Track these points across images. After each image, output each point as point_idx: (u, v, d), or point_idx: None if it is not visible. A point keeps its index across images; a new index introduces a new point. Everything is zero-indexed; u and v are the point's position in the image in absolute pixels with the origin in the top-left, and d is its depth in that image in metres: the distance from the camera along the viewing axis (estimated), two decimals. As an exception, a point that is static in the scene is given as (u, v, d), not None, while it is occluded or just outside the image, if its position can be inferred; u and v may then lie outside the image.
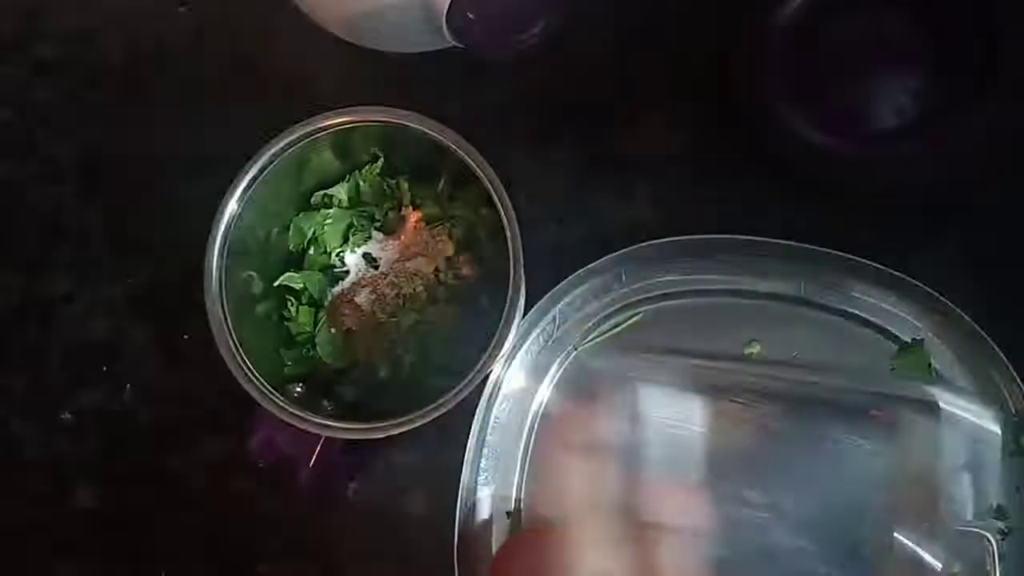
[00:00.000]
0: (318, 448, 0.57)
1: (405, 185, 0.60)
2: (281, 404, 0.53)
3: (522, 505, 0.64)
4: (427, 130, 0.54)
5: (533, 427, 0.64)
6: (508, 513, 0.64)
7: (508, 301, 0.52)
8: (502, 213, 0.53)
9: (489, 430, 0.64)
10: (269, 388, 0.53)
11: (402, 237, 0.60)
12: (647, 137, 0.68)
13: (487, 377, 0.60)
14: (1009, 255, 0.64)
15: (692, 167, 0.67)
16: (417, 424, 0.52)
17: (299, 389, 0.57)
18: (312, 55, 0.67)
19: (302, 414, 0.53)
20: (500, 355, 0.53)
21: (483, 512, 0.64)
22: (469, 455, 0.63)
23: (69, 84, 0.71)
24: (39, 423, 0.68)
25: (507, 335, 0.52)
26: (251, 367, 0.53)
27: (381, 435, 0.53)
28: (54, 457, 0.68)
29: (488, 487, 0.64)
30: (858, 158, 0.64)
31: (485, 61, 0.58)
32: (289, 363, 0.59)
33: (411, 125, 0.54)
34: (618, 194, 0.67)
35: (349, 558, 0.66)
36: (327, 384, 0.59)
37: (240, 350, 0.53)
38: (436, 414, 0.52)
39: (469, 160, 0.54)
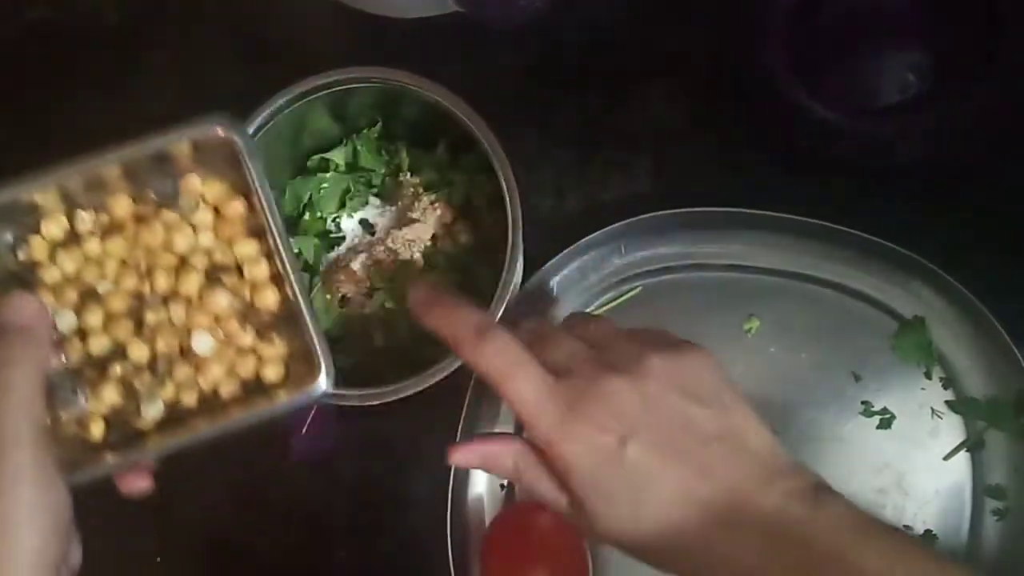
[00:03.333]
0: (310, 417, 0.56)
1: (404, 150, 0.59)
2: None
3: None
4: (426, 91, 0.53)
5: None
6: (502, 486, 0.64)
7: (506, 265, 0.51)
8: (501, 177, 0.52)
9: (485, 401, 0.63)
10: None
11: (400, 203, 0.59)
12: (648, 110, 0.67)
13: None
14: (1011, 232, 0.64)
15: (693, 141, 0.67)
16: (411, 392, 0.52)
17: None
18: (307, 19, 0.66)
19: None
20: (495, 323, 0.52)
21: (478, 484, 0.63)
22: (463, 426, 0.62)
23: (62, 47, 0.70)
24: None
25: (503, 301, 0.51)
26: None
27: (375, 402, 0.52)
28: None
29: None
30: (860, 133, 0.63)
31: (486, 26, 0.57)
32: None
33: (409, 85, 0.53)
34: (618, 166, 0.67)
35: (342, 531, 0.65)
36: None
37: None
38: (430, 382, 0.52)
39: (468, 123, 0.53)
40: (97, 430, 0.44)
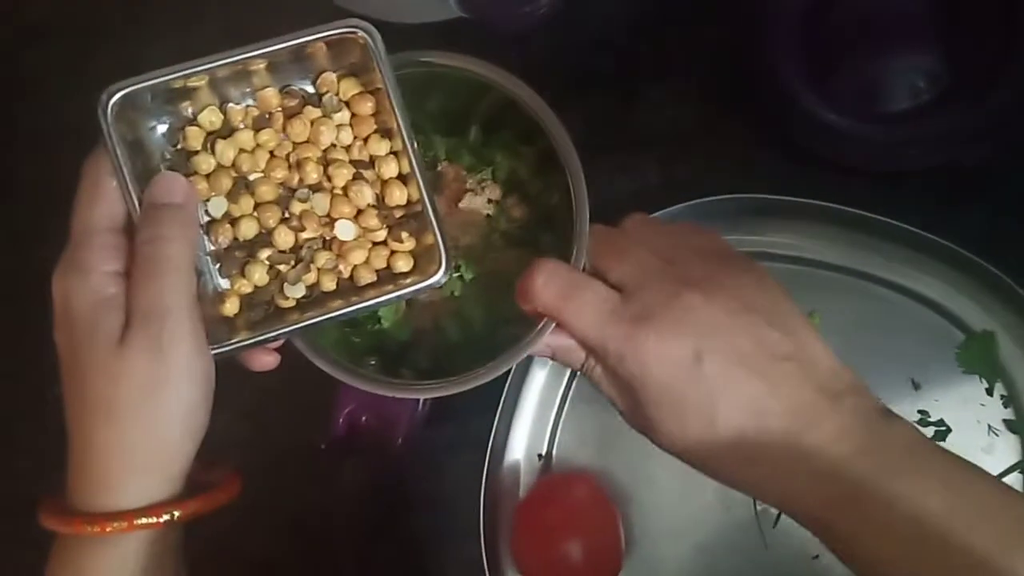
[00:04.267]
0: (407, 419, 0.60)
1: (436, 141, 0.57)
2: (365, 375, 0.50)
3: (554, 448, 0.64)
4: (469, 68, 0.51)
5: (574, 375, 0.63)
6: (540, 455, 0.64)
7: (575, 215, 0.49)
8: (553, 135, 0.50)
9: (526, 374, 0.63)
10: (350, 365, 0.50)
11: (446, 192, 0.57)
12: (655, 112, 0.67)
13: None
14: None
15: (700, 142, 0.66)
16: (501, 371, 0.49)
17: (372, 363, 0.54)
18: (309, 24, 0.63)
19: (391, 380, 0.50)
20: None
21: (515, 450, 0.63)
22: (504, 396, 0.62)
23: (61, 49, 0.70)
24: (28, 400, 0.64)
25: (580, 260, 0.48)
26: (328, 350, 0.50)
27: (469, 387, 0.49)
28: (45, 434, 0.66)
29: (522, 428, 0.64)
30: (869, 139, 0.62)
31: (491, 32, 0.56)
32: (358, 340, 0.55)
33: (454, 64, 0.51)
34: (625, 168, 0.66)
35: (345, 534, 0.66)
36: (400, 355, 0.56)
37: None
38: (519, 357, 0.49)
39: (516, 91, 0.50)
40: (231, 308, 0.47)
